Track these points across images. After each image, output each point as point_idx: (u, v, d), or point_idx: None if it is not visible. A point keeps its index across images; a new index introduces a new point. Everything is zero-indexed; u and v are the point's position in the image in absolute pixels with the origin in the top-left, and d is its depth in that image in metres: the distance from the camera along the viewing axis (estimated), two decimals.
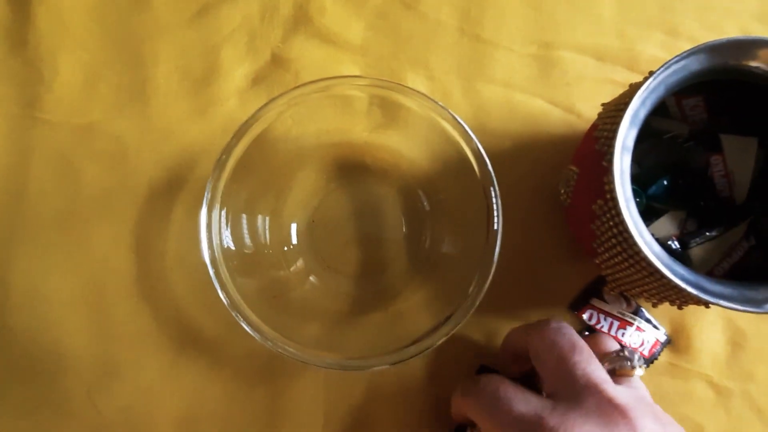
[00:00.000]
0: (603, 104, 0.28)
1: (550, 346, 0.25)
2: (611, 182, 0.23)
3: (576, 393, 0.23)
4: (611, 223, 0.24)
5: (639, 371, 0.25)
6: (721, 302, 0.23)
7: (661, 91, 0.25)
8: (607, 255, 0.26)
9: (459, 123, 0.28)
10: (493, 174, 0.28)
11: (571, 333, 0.25)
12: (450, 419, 0.29)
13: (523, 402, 0.23)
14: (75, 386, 0.32)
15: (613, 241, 0.25)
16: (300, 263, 0.32)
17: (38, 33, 0.35)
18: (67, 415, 0.32)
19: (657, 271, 0.23)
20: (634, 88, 0.25)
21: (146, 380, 0.32)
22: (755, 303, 0.23)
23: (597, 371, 0.24)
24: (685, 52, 0.24)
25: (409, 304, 0.31)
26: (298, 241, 0.33)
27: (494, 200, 0.27)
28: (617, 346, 0.27)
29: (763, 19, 0.36)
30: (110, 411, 0.32)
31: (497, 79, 0.34)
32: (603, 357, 0.26)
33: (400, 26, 0.35)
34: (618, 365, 0.25)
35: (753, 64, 0.25)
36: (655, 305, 0.28)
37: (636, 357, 0.26)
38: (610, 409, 0.22)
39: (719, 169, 0.28)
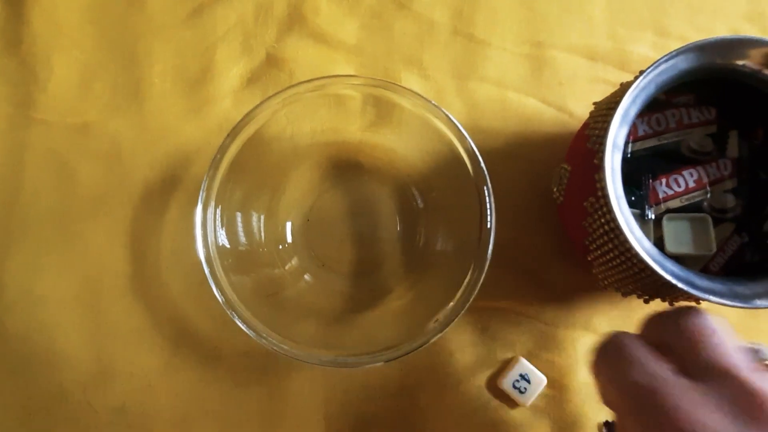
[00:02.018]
0: (594, 103, 0.29)
1: (684, 328, 0.21)
2: (602, 179, 0.24)
3: (709, 375, 0.19)
4: (602, 220, 0.24)
5: None
6: (711, 298, 0.23)
7: (651, 90, 0.25)
8: (599, 252, 0.26)
9: (452, 122, 0.28)
10: (486, 172, 0.28)
11: (712, 318, 0.22)
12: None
13: (643, 368, 0.20)
14: (70, 386, 0.32)
15: (605, 238, 0.25)
16: (295, 262, 0.33)
17: (32, 32, 0.35)
18: (62, 414, 0.32)
19: (647, 267, 0.23)
20: (624, 87, 0.25)
21: (142, 379, 0.32)
22: (744, 298, 0.23)
23: (739, 355, 0.20)
24: (674, 51, 0.24)
25: (404, 301, 0.31)
26: (292, 239, 0.33)
27: (487, 198, 0.28)
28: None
29: (753, 20, 0.36)
30: (106, 410, 0.32)
31: (490, 78, 0.35)
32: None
33: (394, 26, 0.35)
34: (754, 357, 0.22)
35: (740, 62, 0.25)
36: (646, 302, 0.28)
37: (765, 350, 0.23)
38: (750, 395, 0.18)
39: None
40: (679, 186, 0.27)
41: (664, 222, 0.27)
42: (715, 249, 0.27)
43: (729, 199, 0.27)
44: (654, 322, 0.24)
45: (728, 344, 0.21)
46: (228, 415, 0.32)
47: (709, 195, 0.27)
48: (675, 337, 0.22)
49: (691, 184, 0.27)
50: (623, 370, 0.21)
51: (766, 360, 0.24)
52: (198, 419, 0.32)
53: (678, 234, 0.27)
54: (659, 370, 0.20)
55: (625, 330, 0.24)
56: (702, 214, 0.27)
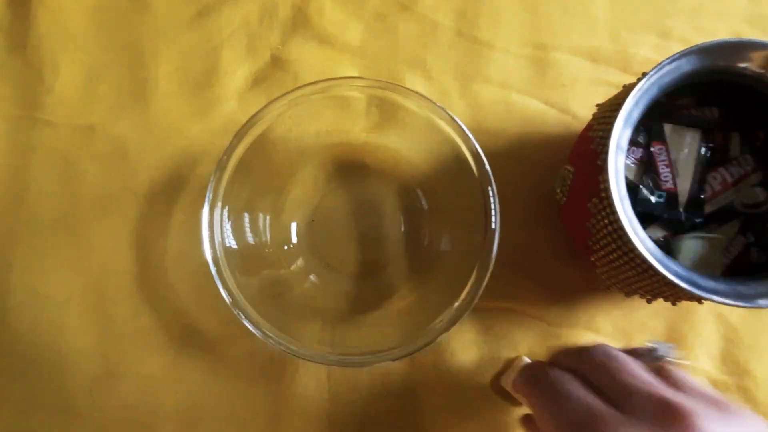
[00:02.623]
0: (597, 105, 0.29)
1: (596, 359, 0.24)
2: (606, 181, 0.24)
3: (629, 402, 0.21)
4: (606, 221, 0.25)
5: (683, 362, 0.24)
6: (713, 297, 0.23)
7: (654, 92, 0.25)
8: (602, 252, 0.26)
9: (457, 123, 0.28)
10: (490, 173, 0.28)
11: (605, 348, 0.25)
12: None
13: (579, 402, 0.22)
14: (77, 385, 0.32)
15: (608, 238, 0.25)
16: (300, 262, 0.33)
17: (38, 34, 0.35)
18: (69, 414, 0.32)
19: (651, 267, 0.23)
20: (627, 89, 0.25)
21: (148, 379, 0.32)
22: (746, 298, 0.24)
23: (641, 374, 0.23)
24: (676, 54, 0.25)
25: (409, 301, 0.32)
26: (298, 240, 0.33)
27: (492, 199, 0.28)
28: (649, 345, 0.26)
29: (753, 22, 0.36)
30: (112, 410, 0.32)
31: (494, 79, 0.35)
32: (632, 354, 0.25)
33: (398, 28, 0.36)
34: (650, 358, 0.25)
35: (742, 65, 0.26)
36: (649, 301, 0.28)
37: (664, 348, 0.25)
38: (663, 411, 0.20)
39: (663, 158, 0.27)
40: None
41: (681, 243, 0.27)
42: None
43: (759, 192, 0.27)
44: (568, 355, 0.27)
45: (630, 366, 0.23)
46: (233, 414, 0.32)
47: (738, 193, 0.27)
48: (590, 367, 0.24)
49: (717, 187, 0.28)
50: (560, 403, 0.23)
51: (662, 357, 0.25)
52: (203, 418, 0.32)
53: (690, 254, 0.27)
54: (593, 404, 0.22)
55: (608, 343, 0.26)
56: (716, 235, 0.27)
